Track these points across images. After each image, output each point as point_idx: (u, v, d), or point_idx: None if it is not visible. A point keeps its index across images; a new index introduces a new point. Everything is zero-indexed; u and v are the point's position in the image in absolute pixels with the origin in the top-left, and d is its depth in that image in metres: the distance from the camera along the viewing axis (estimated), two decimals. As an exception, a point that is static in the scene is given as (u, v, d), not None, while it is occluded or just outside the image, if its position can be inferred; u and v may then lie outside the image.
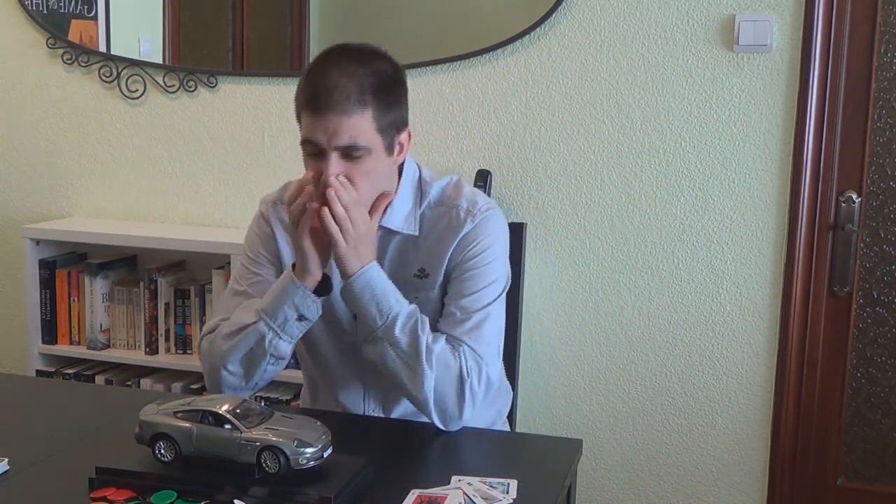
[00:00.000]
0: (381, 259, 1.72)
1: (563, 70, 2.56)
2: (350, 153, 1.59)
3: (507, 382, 1.95)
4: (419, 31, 2.78)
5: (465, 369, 1.63)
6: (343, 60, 1.60)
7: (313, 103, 1.58)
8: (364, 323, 1.64)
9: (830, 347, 2.54)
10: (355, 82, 1.57)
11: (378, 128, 1.60)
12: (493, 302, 1.70)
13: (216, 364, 1.71)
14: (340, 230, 1.58)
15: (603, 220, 2.59)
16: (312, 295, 1.65)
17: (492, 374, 1.67)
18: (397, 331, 1.60)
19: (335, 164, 1.59)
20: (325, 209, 1.57)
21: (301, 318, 1.66)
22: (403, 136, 1.68)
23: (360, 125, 1.58)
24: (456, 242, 1.70)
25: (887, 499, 2.56)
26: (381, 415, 1.79)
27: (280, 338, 1.67)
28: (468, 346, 1.64)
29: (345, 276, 1.62)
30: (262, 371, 1.70)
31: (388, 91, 1.62)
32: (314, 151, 1.61)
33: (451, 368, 1.62)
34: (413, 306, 1.64)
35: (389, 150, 1.65)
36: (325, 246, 1.64)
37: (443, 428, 1.64)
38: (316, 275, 1.65)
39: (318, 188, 1.60)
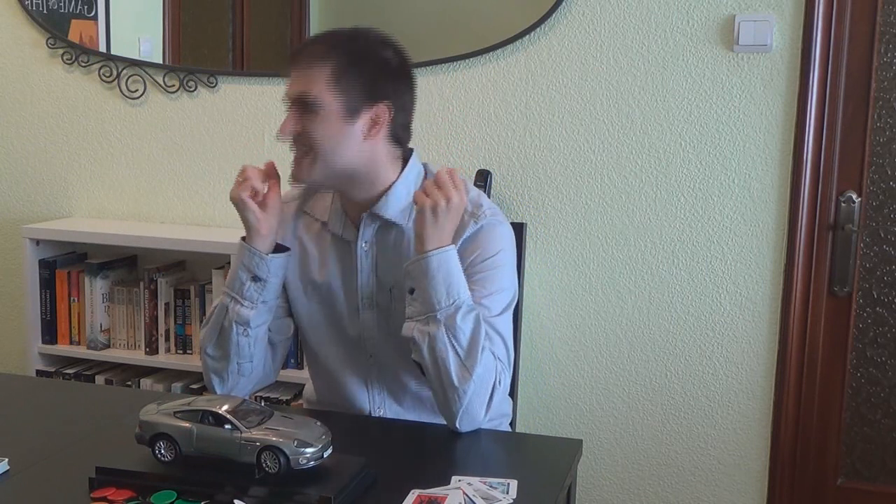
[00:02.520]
0: (384, 256, 1.73)
1: (563, 70, 2.56)
2: (302, 105, 1.63)
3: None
4: (419, 31, 2.78)
5: (497, 377, 1.63)
6: (340, 31, 1.69)
7: (289, 59, 1.67)
8: (424, 301, 1.60)
9: (830, 347, 2.54)
10: (331, 43, 1.65)
11: (336, 86, 1.62)
12: (505, 310, 1.70)
13: (201, 350, 1.76)
14: (449, 200, 1.59)
15: (603, 220, 2.59)
16: (259, 252, 1.67)
17: (508, 382, 1.68)
18: (459, 317, 1.58)
19: (290, 116, 1.65)
20: (449, 171, 1.61)
21: (256, 279, 1.68)
22: (379, 111, 1.66)
23: (314, 79, 1.62)
24: (458, 245, 1.68)
25: (887, 499, 2.56)
26: (388, 408, 1.79)
27: (241, 304, 1.69)
28: (496, 354, 1.64)
29: (428, 245, 1.59)
30: (235, 346, 1.71)
31: (366, 60, 1.65)
32: (286, 109, 1.67)
33: (490, 372, 1.62)
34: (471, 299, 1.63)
35: (350, 114, 1.63)
36: (267, 204, 1.68)
37: (457, 427, 1.62)
38: (262, 231, 1.68)
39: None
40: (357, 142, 1.66)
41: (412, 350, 1.63)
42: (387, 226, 1.73)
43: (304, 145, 1.65)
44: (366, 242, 1.73)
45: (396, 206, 1.71)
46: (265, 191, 1.69)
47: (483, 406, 1.62)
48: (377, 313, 1.75)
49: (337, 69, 1.62)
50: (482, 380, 1.60)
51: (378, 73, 1.66)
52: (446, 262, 1.59)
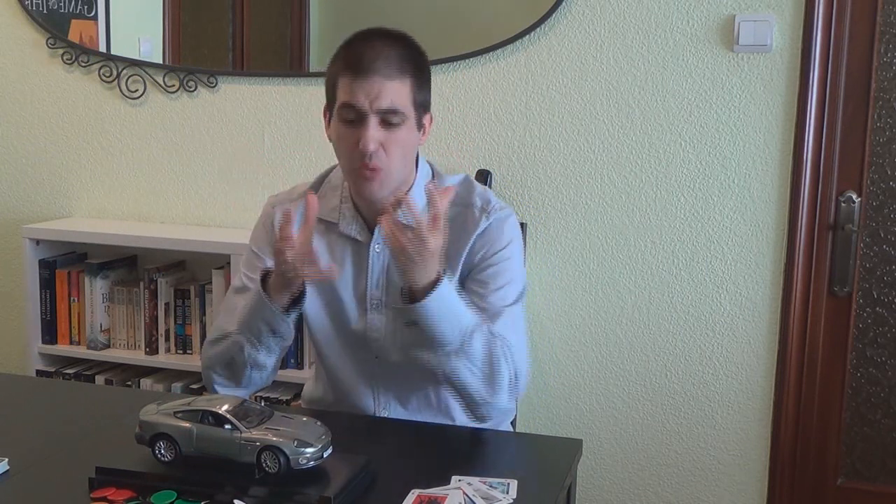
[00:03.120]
0: (387, 251, 1.72)
1: (563, 70, 2.56)
2: (389, 119, 1.60)
3: None
4: (419, 31, 2.76)
5: (514, 371, 1.62)
6: (384, 35, 1.65)
7: (357, 66, 1.60)
8: (432, 339, 1.55)
9: (830, 347, 2.54)
10: (398, 52, 1.62)
11: (413, 100, 1.63)
12: (517, 300, 1.70)
13: (206, 367, 1.75)
14: (416, 247, 1.49)
15: (603, 220, 2.59)
16: (281, 314, 1.62)
17: (526, 370, 1.68)
18: (470, 343, 1.56)
19: (374, 128, 1.60)
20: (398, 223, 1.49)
21: (274, 332, 1.65)
22: (427, 119, 1.71)
23: (402, 92, 1.61)
24: (472, 241, 1.69)
25: (887, 499, 2.56)
26: (392, 410, 1.79)
27: (257, 350, 1.68)
28: (511, 349, 1.62)
29: (419, 286, 1.52)
30: (247, 378, 1.72)
31: (422, 70, 1.67)
32: (352, 117, 1.61)
33: (505, 376, 1.61)
34: (476, 313, 1.61)
35: (419, 126, 1.68)
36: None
37: (476, 422, 1.64)
38: (293, 291, 1.62)
39: (355, 155, 1.61)
40: (414, 155, 1.71)
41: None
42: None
43: (382, 160, 1.61)
44: (379, 245, 1.73)
45: (414, 210, 1.70)
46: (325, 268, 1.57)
47: (509, 400, 1.63)
48: (385, 315, 1.74)
49: (415, 81, 1.64)
50: (503, 385, 1.60)
51: (429, 85, 1.70)
52: (446, 299, 1.54)
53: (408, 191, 1.70)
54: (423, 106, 1.68)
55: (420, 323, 1.55)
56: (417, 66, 1.65)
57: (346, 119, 1.62)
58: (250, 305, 1.65)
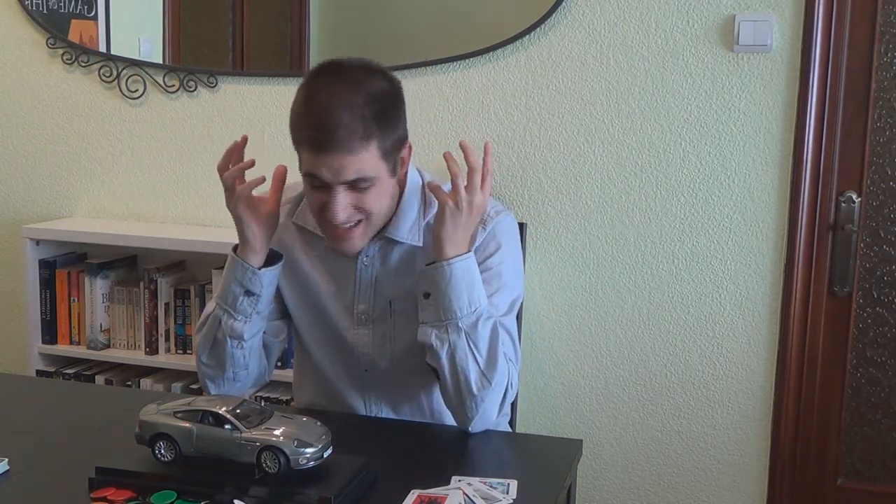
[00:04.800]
0: (385, 271, 1.71)
1: (563, 70, 2.56)
2: (357, 185, 1.57)
3: None
4: (420, 31, 2.78)
5: (509, 379, 1.63)
6: (339, 86, 1.56)
7: (316, 143, 1.55)
8: (444, 308, 1.57)
9: (830, 347, 2.53)
10: (357, 115, 1.53)
11: (382, 155, 1.57)
12: (509, 311, 1.69)
13: (196, 356, 1.76)
14: (471, 203, 1.57)
15: (603, 219, 2.59)
16: (251, 266, 1.64)
17: (517, 381, 1.68)
18: (480, 325, 1.58)
19: (343, 197, 1.57)
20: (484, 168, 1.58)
21: (248, 293, 1.66)
22: (405, 152, 1.66)
23: (367, 158, 1.55)
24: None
25: (887, 499, 2.56)
26: (385, 416, 1.79)
27: (234, 318, 1.68)
28: (506, 354, 1.63)
29: (450, 252, 1.57)
30: (230, 357, 1.70)
31: (387, 114, 1.58)
32: (318, 184, 1.58)
33: (504, 375, 1.62)
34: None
35: (393, 171, 1.62)
36: (266, 221, 1.64)
37: (469, 429, 1.63)
38: (256, 247, 1.64)
39: (325, 218, 1.60)
40: (394, 188, 1.66)
41: (427, 354, 1.62)
42: (391, 244, 1.71)
43: (358, 217, 1.61)
44: (367, 257, 1.72)
45: (405, 227, 1.69)
46: (268, 206, 1.66)
47: (496, 409, 1.62)
48: (372, 329, 1.73)
49: (381, 142, 1.56)
50: (498, 385, 1.60)
51: (400, 120, 1.63)
52: (468, 270, 1.58)
53: (392, 217, 1.69)
54: (395, 148, 1.61)
55: (440, 286, 1.56)
56: (381, 118, 1.56)
57: (313, 185, 1.60)
58: (224, 273, 1.68)
